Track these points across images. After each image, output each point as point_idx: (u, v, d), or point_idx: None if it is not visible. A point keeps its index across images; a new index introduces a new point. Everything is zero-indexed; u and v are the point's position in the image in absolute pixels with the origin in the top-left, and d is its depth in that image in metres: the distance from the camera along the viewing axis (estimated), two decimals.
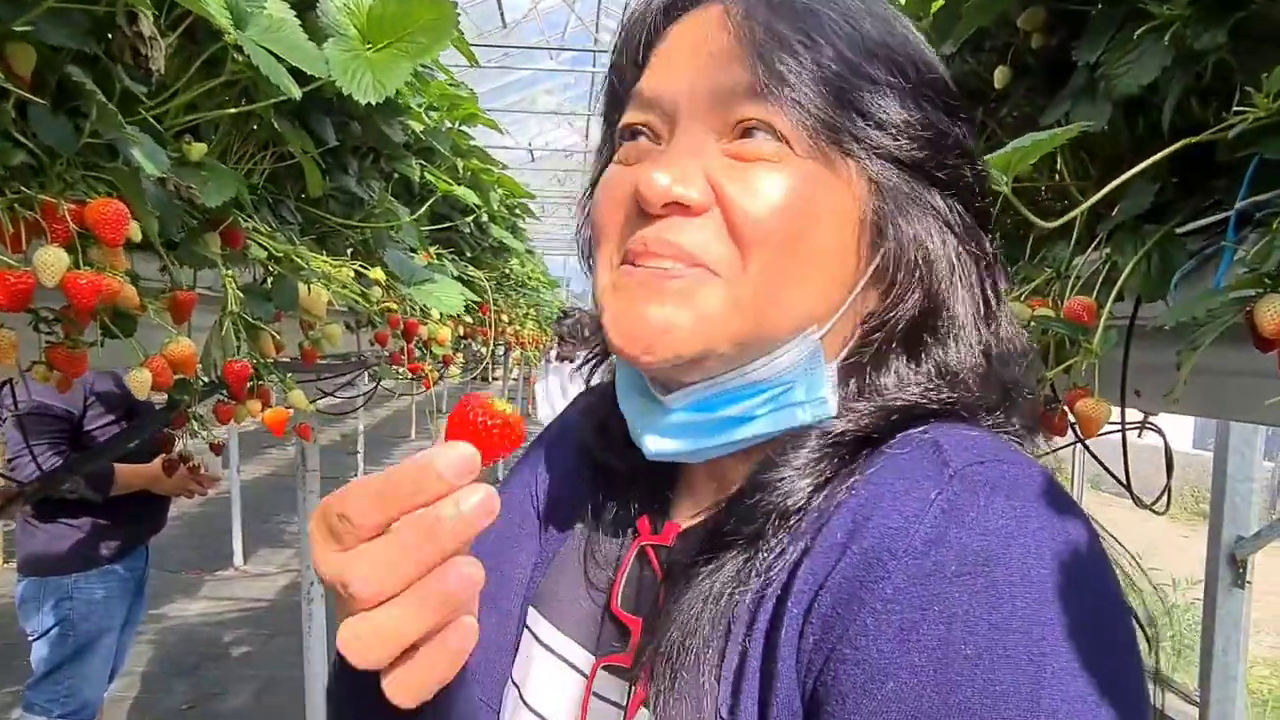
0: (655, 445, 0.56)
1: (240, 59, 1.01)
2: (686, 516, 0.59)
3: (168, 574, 5.70)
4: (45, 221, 0.71)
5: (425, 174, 2.33)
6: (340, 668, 0.51)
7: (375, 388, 3.42)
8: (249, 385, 1.22)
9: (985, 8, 1.04)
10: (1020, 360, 0.59)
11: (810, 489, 0.50)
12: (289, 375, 1.45)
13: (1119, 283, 0.95)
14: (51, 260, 0.69)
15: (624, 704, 0.53)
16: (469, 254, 3.18)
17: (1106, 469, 1.35)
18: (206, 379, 1.33)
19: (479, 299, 2.84)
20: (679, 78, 0.54)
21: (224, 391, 1.32)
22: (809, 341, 0.53)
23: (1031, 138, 0.74)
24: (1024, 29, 1.06)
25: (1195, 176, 0.97)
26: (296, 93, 1.02)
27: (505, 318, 3.94)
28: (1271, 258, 0.69)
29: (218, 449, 2.13)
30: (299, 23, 1.10)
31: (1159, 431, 1.59)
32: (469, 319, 2.95)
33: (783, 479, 0.51)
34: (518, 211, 4.00)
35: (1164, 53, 0.81)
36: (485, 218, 3.22)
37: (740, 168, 0.52)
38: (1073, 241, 1.08)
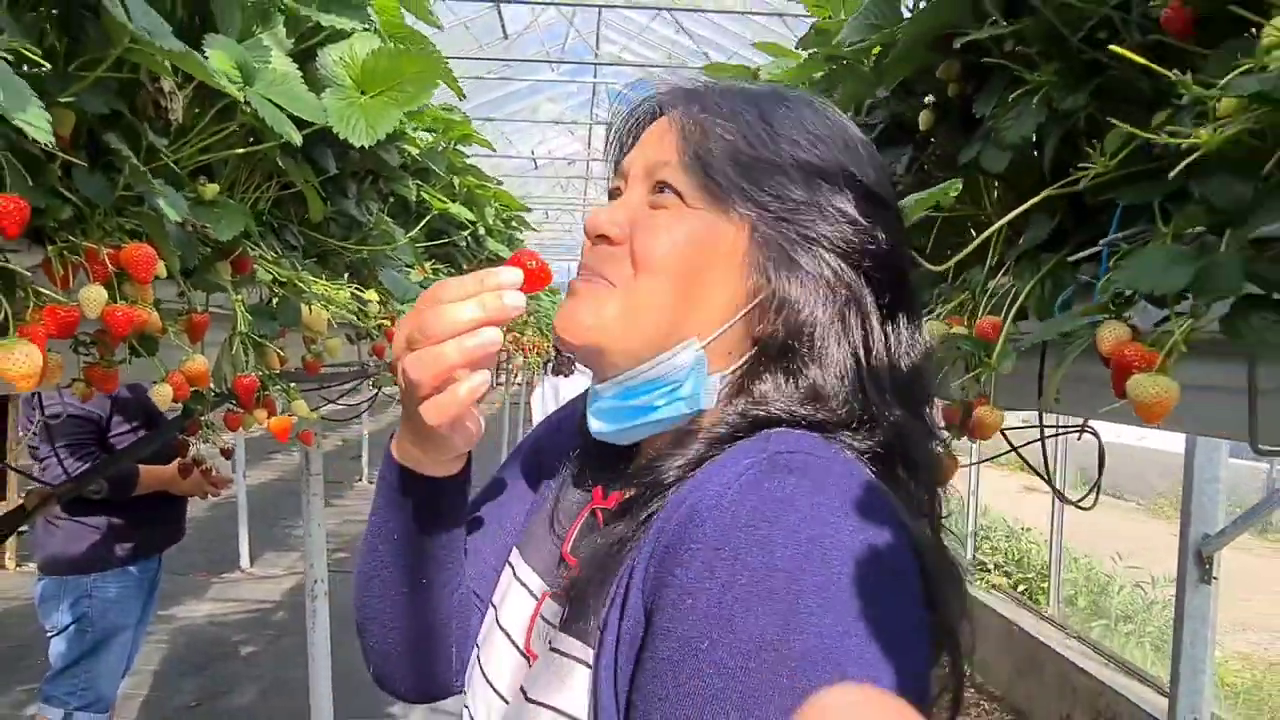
0: (593, 426, 0.74)
1: (248, 110, 1.15)
2: (630, 489, 0.72)
3: (176, 576, 5.83)
4: (88, 264, 0.85)
5: (421, 193, 2.46)
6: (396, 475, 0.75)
7: (376, 395, 3.56)
8: (256, 396, 1.36)
9: (905, 59, 1.18)
10: (904, 382, 0.72)
11: (679, 470, 0.65)
12: (293, 385, 1.59)
13: (1017, 304, 1.09)
14: (94, 297, 0.83)
15: (557, 624, 0.68)
16: (466, 267, 3.31)
17: (1033, 468, 1.47)
18: (218, 390, 1.47)
19: None
20: (636, 151, 0.76)
21: (233, 402, 1.46)
22: (692, 350, 0.69)
23: (915, 196, 0.88)
24: (942, 78, 1.20)
25: (1085, 211, 1.10)
26: (298, 139, 1.16)
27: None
28: (1108, 290, 0.83)
29: (228, 453, 2.27)
30: (300, 75, 1.24)
31: (1095, 434, 1.73)
32: None
33: (663, 463, 0.66)
34: (514, 224, 4.14)
35: (1038, 111, 0.94)
36: (482, 230, 3.36)
37: (651, 214, 0.72)
38: (986, 266, 1.21)
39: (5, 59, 0.55)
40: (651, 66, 9.61)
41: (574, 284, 0.73)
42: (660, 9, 7.45)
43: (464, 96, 1.79)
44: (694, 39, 8.26)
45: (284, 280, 1.44)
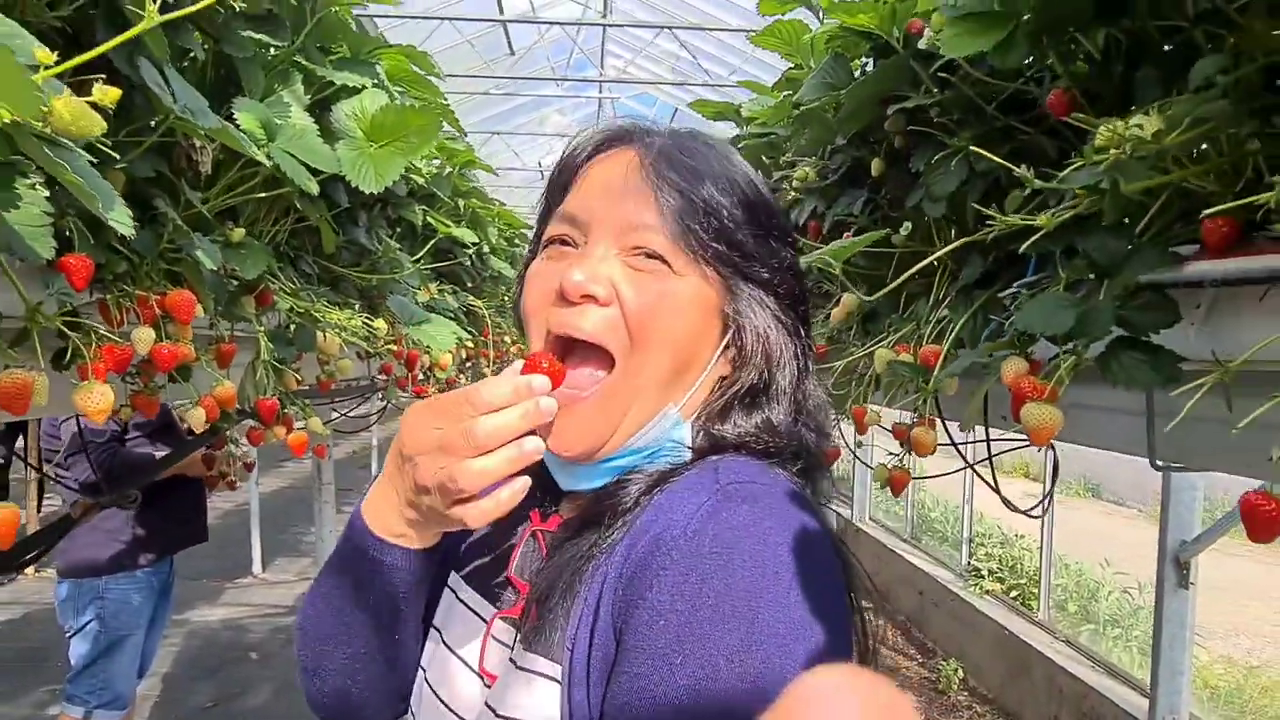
0: (571, 485, 0.77)
1: (270, 163, 1.29)
2: (568, 511, 0.78)
3: (190, 582, 5.99)
4: (139, 309, 0.99)
5: (427, 217, 2.60)
6: (377, 549, 0.73)
7: (385, 407, 3.71)
8: (276, 415, 1.50)
9: (856, 115, 1.31)
10: (818, 414, 0.81)
11: (639, 494, 0.70)
12: (307, 403, 1.73)
13: (952, 335, 1.22)
14: (144, 337, 0.97)
15: (511, 644, 0.72)
16: (470, 284, 3.46)
17: (983, 478, 1.59)
18: (241, 409, 1.62)
19: (475, 328, 3.13)
20: (597, 203, 0.74)
21: (255, 420, 1.60)
22: (672, 417, 0.74)
23: (838, 243, 1.01)
24: (890, 131, 1.33)
25: (1012, 255, 1.24)
26: (314, 189, 1.30)
27: (508, 339, 4.22)
28: (1007, 332, 0.96)
29: (249, 466, 2.43)
30: (316, 128, 1.38)
31: (1052, 447, 1.87)
32: (470, 344, 3.23)
33: (623, 489, 0.71)
34: (517, 242, 4.29)
35: (959, 170, 1.08)
36: (486, 249, 3.50)
37: (634, 275, 0.71)
38: (931, 300, 1.35)
39: (89, 159, 0.69)
40: (657, 83, 9.77)
41: (564, 395, 0.70)
42: (663, 27, 7.60)
43: (464, 133, 1.94)
44: (695, 54, 8.41)
45: (301, 309, 1.59)
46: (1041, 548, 4.84)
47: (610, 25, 8.03)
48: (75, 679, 3.03)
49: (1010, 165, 0.79)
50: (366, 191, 1.37)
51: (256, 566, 6.92)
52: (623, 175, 0.74)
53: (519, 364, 0.68)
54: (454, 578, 0.82)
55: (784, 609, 0.60)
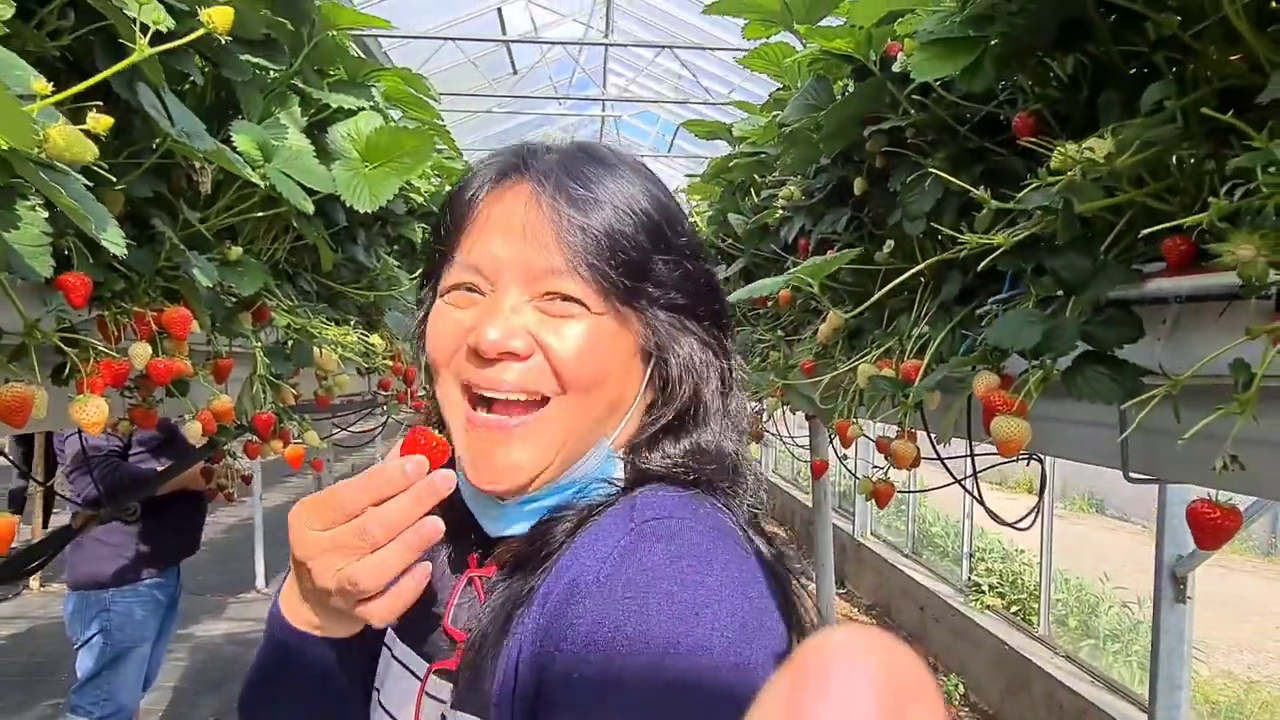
0: (498, 530, 0.72)
1: (266, 184, 1.33)
2: (504, 555, 0.72)
3: (194, 596, 6.00)
4: (136, 325, 1.03)
5: (426, 235, 2.64)
6: (286, 636, 0.69)
7: (386, 421, 3.75)
8: (273, 429, 1.53)
9: (837, 135, 1.35)
10: (740, 423, 0.77)
11: (565, 534, 0.67)
12: (306, 417, 1.76)
13: (931, 350, 1.25)
14: (141, 352, 1.00)
15: (447, 698, 0.68)
16: None
17: (968, 491, 1.62)
18: (239, 423, 1.65)
19: None
20: (499, 249, 0.68)
21: (252, 433, 1.63)
22: (602, 448, 0.71)
23: (813, 260, 1.04)
24: (871, 151, 1.37)
25: (989, 272, 1.27)
26: (310, 208, 1.34)
27: None
28: (980, 347, 0.99)
29: (247, 479, 2.46)
30: (313, 149, 1.42)
31: (1040, 460, 1.88)
32: None
33: (552, 528, 0.68)
34: None
35: (934, 189, 1.11)
36: None
37: (551, 322, 0.67)
38: (913, 316, 1.38)
39: (84, 182, 0.72)
40: (659, 102, 9.85)
41: (481, 423, 0.68)
42: (664, 46, 7.67)
43: (460, 153, 1.98)
44: (695, 73, 8.48)
45: (299, 326, 1.62)
46: (1041, 562, 4.84)
47: (612, 45, 8.10)
48: (80, 690, 3.05)
49: (970, 187, 0.82)
50: (361, 211, 1.41)
51: (260, 581, 6.93)
52: (521, 216, 0.69)
53: (398, 445, 0.66)
54: (389, 634, 0.78)
55: (708, 649, 0.56)
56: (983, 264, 0.93)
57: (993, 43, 0.97)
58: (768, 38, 1.47)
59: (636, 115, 11.50)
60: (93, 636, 3.02)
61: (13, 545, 0.80)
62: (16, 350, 0.84)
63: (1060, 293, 0.96)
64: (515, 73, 8.91)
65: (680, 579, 0.59)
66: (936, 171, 0.85)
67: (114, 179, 0.87)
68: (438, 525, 0.62)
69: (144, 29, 0.73)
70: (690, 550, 0.61)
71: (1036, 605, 4.94)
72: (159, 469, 2.99)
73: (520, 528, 0.71)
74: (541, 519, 0.70)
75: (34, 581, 6.83)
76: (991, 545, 5.89)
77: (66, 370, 0.95)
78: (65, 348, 0.86)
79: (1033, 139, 0.87)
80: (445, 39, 6.80)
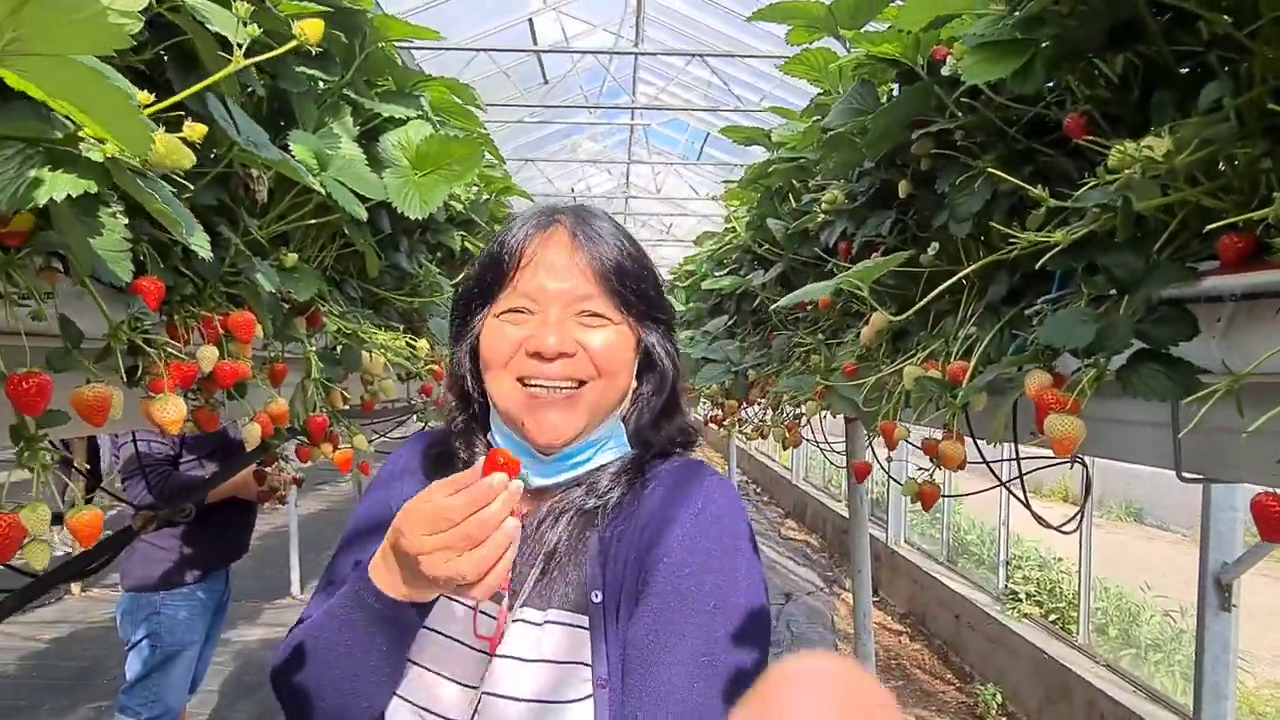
0: (545, 480, 0.98)
1: (323, 191, 1.36)
2: (529, 504, 0.99)
3: (232, 602, 6.11)
4: (203, 329, 1.06)
5: (465, 242, 2.68)
6: (386, 603, 0.87)
7: (425, 427, 3.79)
8: (325, 432, 1.57)
9: (883, 138, 1.35)
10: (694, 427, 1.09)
11: (621, 491, 0.97)
12: (353, 422, 1.80)
13: (979, 351, 1.25)
14: (208, 355, 1.03)
15: (496, 613, 0.93)
16: None
17: (1011, 492, 1.61)
18: (290, 426, 1.69)
19: None
20: (549, 282, 0.95)
21: (303, 437, 1.67)
22: (614, 418, 1.00)
23: (864, 264, 1.05)
24: (917, 154, 1.37)
25: (1038, 272, 1.27)
26: (363, 215, 1.37)
27: None
28: (1031, 347, 0.99)
29: (299, 482, 2.52)
30: (364, 157, 1.45)
31: (1083, 463, 1.88)
32: None
33: (602, 485, 0.97)
34: None
35: (983, 190, 1.12)
36: None
37: (588, 331, 0.95)
38: (959, 317, 1.38)
39: (173, 193, 0.75)
40: (688, 109, 9.87)
41: (537, 396, 0.93)
42: (694, 54, 7.70)
43: (504, 161, 2.01)
44: (726, 81, 8.50)
45: (348, 331, 1.66)
46: (1080, 570, 4.78)
47: (642, 54, 8.14)
48: (129, 691, 3.10)
49: (1028, 186, 0.82)
50: (411, 217, 1.44)
51: (295, 588, 7.02)
52: (566, 257, 0.96)
53: (480, 463, 0.83)
54: None
55: (751, 551, 0.95)
56: (1038, 263, 0.93)
57: (1043, 45, 0.98)
58: (810, 43, 1.48)
59: (666, 123, 11.54)
60: (142, 639, 3.08)
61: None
62: (102, 352, 0.87)
63: (1113, 292, 0.96)
64: (546, 82, 8.99)
65: (738, 513, 0.96)
66: (993, 171, 0.85)
67: (191, 187, 0.90)
68: (518, 525, 0.81)
69: (226, 44, 0.75)
70: (734, 495, 0.98)
71: (1075, 614, 4.88)
72: (207, 476, 3.05)
73: (561, 477, 0.98)
74: (586, 481, 0.98)
75: (75, 587, 6.96)
76: (1028, 553, 5.83)
77: (139, 372, 0.98)
78: (146, 348, 0.89)
79: (1085, 139, 0.88)
80: (478, 50, 6.88)
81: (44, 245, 0.77)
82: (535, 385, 0.94)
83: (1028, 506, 1.62)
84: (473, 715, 0.91)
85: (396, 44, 1.68)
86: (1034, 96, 1.09)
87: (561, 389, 0.94)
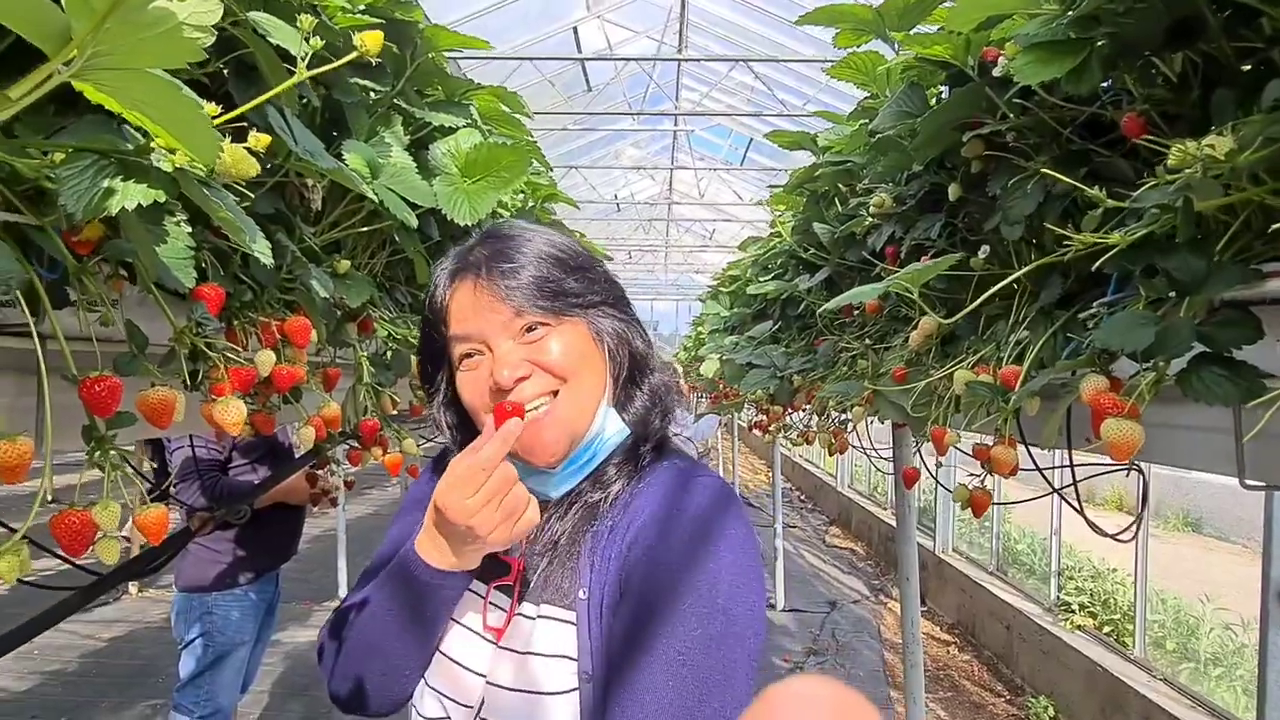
0: (556, 492, 1.01)
1: (375, 199, 1.39)
2: (563, 501, 1.03)
3: (281, 604, 6.22)
4: (261, 333, 1.08)
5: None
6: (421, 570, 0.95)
7: None
8: (376, 436, 1.59)
9: (933, 141, 1.34)
10: (659, 364, 1.10)
11: (623, 482, 1.01)
12: (401, 426, 1.82)
13: (1032, 355, 1.23)
14: (266, 359, 1.06)
15: (507, 605, 0.99)
16: None
17: (1067, 501, 1.58)
18: (342, 430, 1.72)
19: None
20: (475, 322, 0.99)
21: (354, 441, 1.70)
22: (602, 409, 1.02)
23: (913, 267, 1.04)
24: (967, 156, 1.36)
25: (1093, 275, 1.24)
26: (414, 222, 1.39)
27: None
28: (1090, 347, 0.98)
29: (350, 485, 2.56)
30: (415, 165, 1.48)
31: (1140, 470, 1.83)
32: None
33: (608, 476, 1.01)
34: None
35: (1036, 192, 1.10)
36: None
37: (534, 346, 0.98)
38: (1011, 321, 1.36)
39: (232, 195, 0.78)
40: (731, 114, 9.86)
41: (513, 420, 0.94)
42: (738, 60, 7.69)
43: (550, 169, 2.03)
44: (770, 86, 8.48)
45: (398, 336, 1.68)
46: (1136, 581, 4.66)
47: (685, 60, 8.15)
48: (182, 690, 3.17)
49: (1084, 186, 0.81)
50: (461, 224, 1.46)
51: (342, 590, 7.12)
52: (473, 298, 0.99)
53: (490, 419, 0.93)
54: None
55: (740, 548, 0.94)
56: (1096, 264, 0.92)
57: (1099, 44, 0.96)
58: (858, 46, 1.48)
59: (708, 129, 11.53)
60: (196, 638, 3.15)
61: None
62: (166, 356, 0.90)
63: (1173, 294, 0.94)
64: (589, 89, 9.04)
65: (721, 507, 0.96)
66: (1047, 171, 0.84)
67: (251, 195, 0.92)
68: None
69: (285, 55, 0.77)
70: (720, 493, 0.98)
71: (1131, 626, 4.77)
72: (257, 482, 3.12)
73: (570, 485, 1.02)
74: (594, 473, 1.02)
75: (133, 587, 7.15)
76: (1081, 563, 5.70)
77: (200, 376, 1.01)
78: (208, 351, 0.92)
79: (1145, 138, 0.86)
80: (523, 59, 6.95)
81: (113, 253, 0.79)
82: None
83: (1082, 514, 1.59)
84: (480, 704, 0.98)
85: (445, 53, 1.70)
86: (1089, 97, 1.07)
87: (538, 408, 0.97)
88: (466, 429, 1.06)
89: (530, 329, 0.98)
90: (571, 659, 0.93)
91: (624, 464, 1.02)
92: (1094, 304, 1.10)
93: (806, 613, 7.11)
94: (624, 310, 1.08)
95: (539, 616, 0.97)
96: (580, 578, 0.95)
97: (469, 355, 1.00)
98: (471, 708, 1.00)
